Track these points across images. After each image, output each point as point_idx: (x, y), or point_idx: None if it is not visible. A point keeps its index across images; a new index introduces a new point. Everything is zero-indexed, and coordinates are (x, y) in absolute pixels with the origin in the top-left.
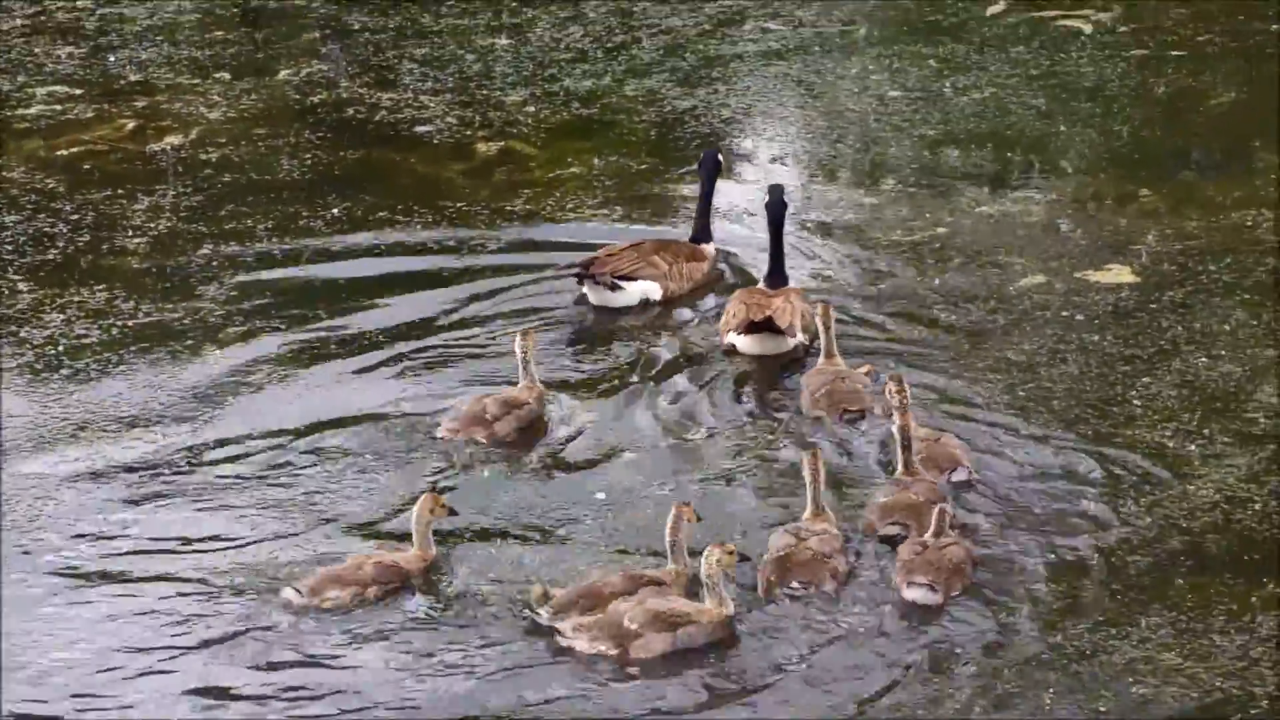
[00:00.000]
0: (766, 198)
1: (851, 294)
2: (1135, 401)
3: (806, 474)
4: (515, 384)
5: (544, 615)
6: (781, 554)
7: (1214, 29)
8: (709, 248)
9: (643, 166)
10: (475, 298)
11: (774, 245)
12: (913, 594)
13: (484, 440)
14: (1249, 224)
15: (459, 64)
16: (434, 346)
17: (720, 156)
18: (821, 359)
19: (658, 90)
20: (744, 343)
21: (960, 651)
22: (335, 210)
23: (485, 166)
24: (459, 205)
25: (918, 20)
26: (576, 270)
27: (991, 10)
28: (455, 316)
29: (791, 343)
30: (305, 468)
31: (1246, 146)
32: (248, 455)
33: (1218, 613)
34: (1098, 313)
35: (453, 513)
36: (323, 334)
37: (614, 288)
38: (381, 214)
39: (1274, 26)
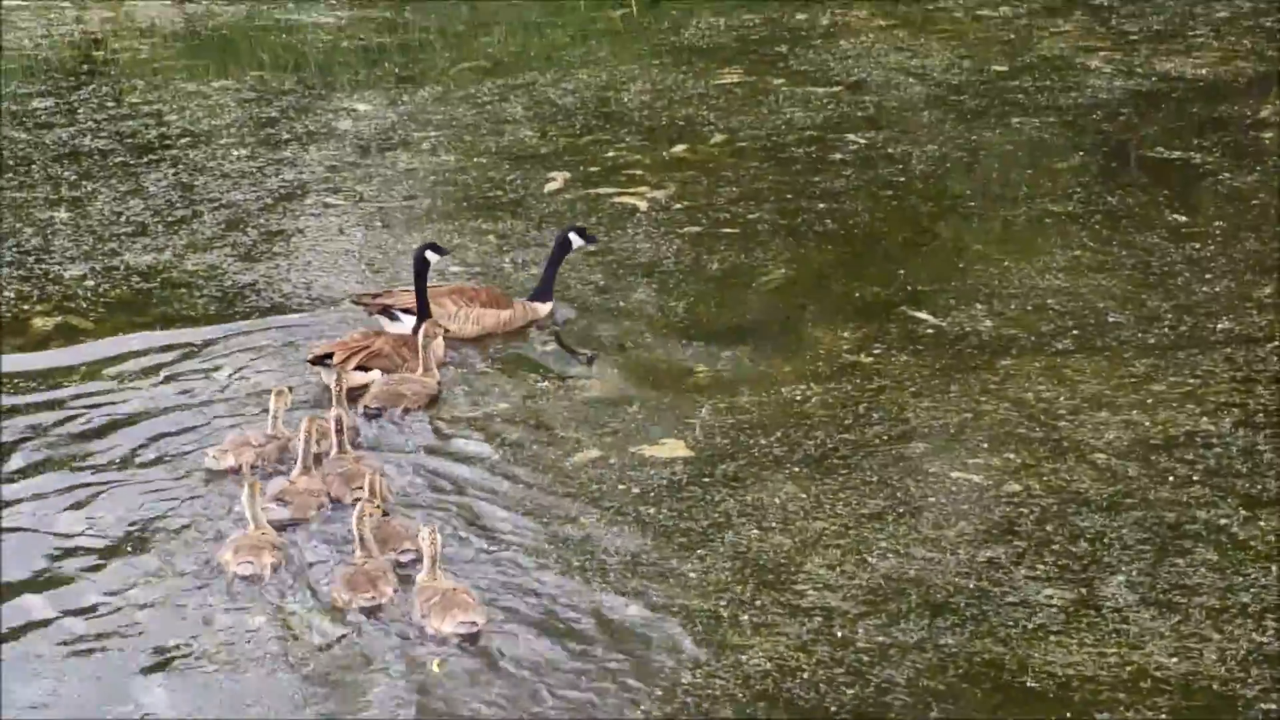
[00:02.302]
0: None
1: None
2: (691, 574)
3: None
4: None
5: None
6: None
7: (763, 207)
8: (541, 306)
9: (199, 341)
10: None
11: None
12: None
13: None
14: (798, 398)
15: (17, 238)
16: None
17: (572, 234)
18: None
19: (219, 265)
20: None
21: None
22: None
23: (41, 342)
24: (13, 380)
25: (478, 197)
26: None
27: (550, 187)
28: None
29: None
30: None
31: (796, 322)
32: None
33: None
34: (653, 486)
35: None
36: None
37: (394, 318)
38: None
39: (820, 205)
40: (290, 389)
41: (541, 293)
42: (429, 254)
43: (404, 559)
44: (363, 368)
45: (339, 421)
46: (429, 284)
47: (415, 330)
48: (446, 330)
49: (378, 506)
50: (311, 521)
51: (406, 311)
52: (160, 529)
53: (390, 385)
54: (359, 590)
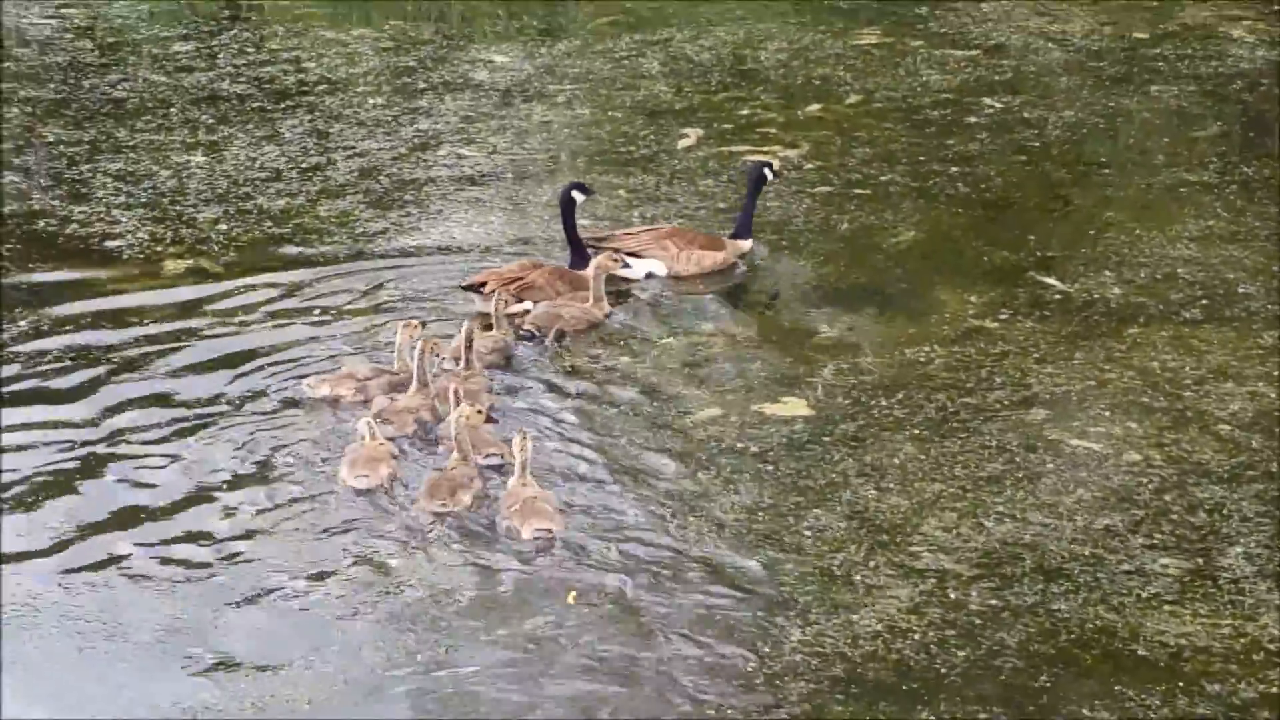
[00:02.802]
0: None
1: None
2: (805, 532)
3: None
4: None
5: None
6: None
7: (896, 169)
8: (743, 243)
9: (333, 288)
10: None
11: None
12: None
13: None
14: (921, 360)
15: (153, 180)
16: None
17: (766, 170)
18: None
19: (350, 211)
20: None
21: None
22: (23, 324)
23: (173, 282)
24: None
25: (611, 152)
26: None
27: (682, 144)
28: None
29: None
30: None
31: (923, 285)
32: None
33: None
34: (771, 445)
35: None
36: None
37: (623, 264)
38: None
39: (953, 169)
40: (423, 323)
41: (742, 229)
42: (575, 193)
43: (487, 463)
44: (516, 298)
45: (469, 336)
46: (647, 228)
47: (573, 266)
48: (623, 265)
49: (479, 412)
50: (414, 436)
51: (634, 256)
52: (263, 458)
53: (553, 308)
54: (436, 497)
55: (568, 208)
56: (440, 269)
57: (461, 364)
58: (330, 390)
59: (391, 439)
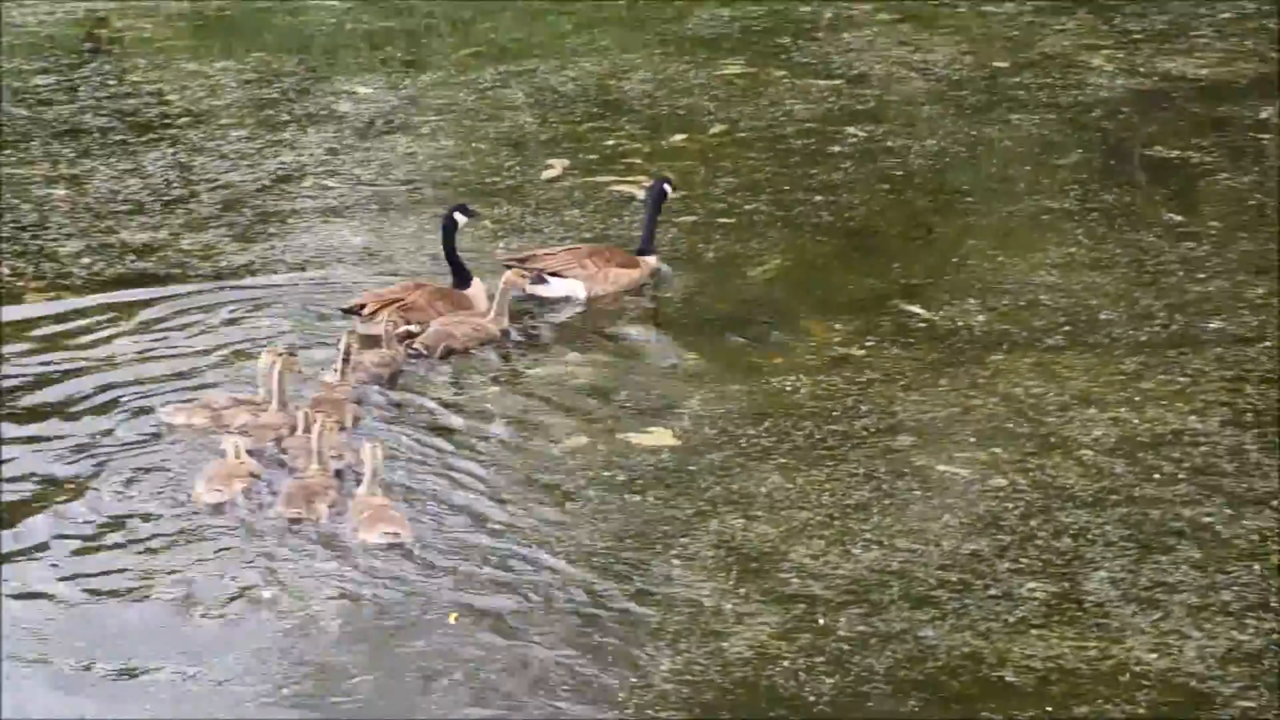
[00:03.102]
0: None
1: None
2: (674, 561)
3: None
4: None
5: None
6: None
7: (760, 198)
8: (652, 259)
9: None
10: None
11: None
12: None
13: None
14: (788, 389)
15: (14, 213)
16: None
17: (666, 186)
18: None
19: (215, 244)
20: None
21: None
22: None
23: (37, 320)
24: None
25: (476, 183)
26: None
27: (547, 175)
28: None
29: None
30: None
31: (789, 314)
32: None
33: None
34: (639, 474)
35: None
36: None
37: (543, 281)
38: None
39: (817, 198)
40: (291, 351)
41: (647, 246)
42: (457, 215)
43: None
44: (402, 320)
45: (347, 349)
46: (566, 248)
47: (455, 287)
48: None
49: (337, 422)
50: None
51: (555, 275)
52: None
53: (445, 326)
54: (292, 505)
55: (450, 229)
56: (306, 298)
57: (337, 375)
58: (187, 419)
59: (251, 452)
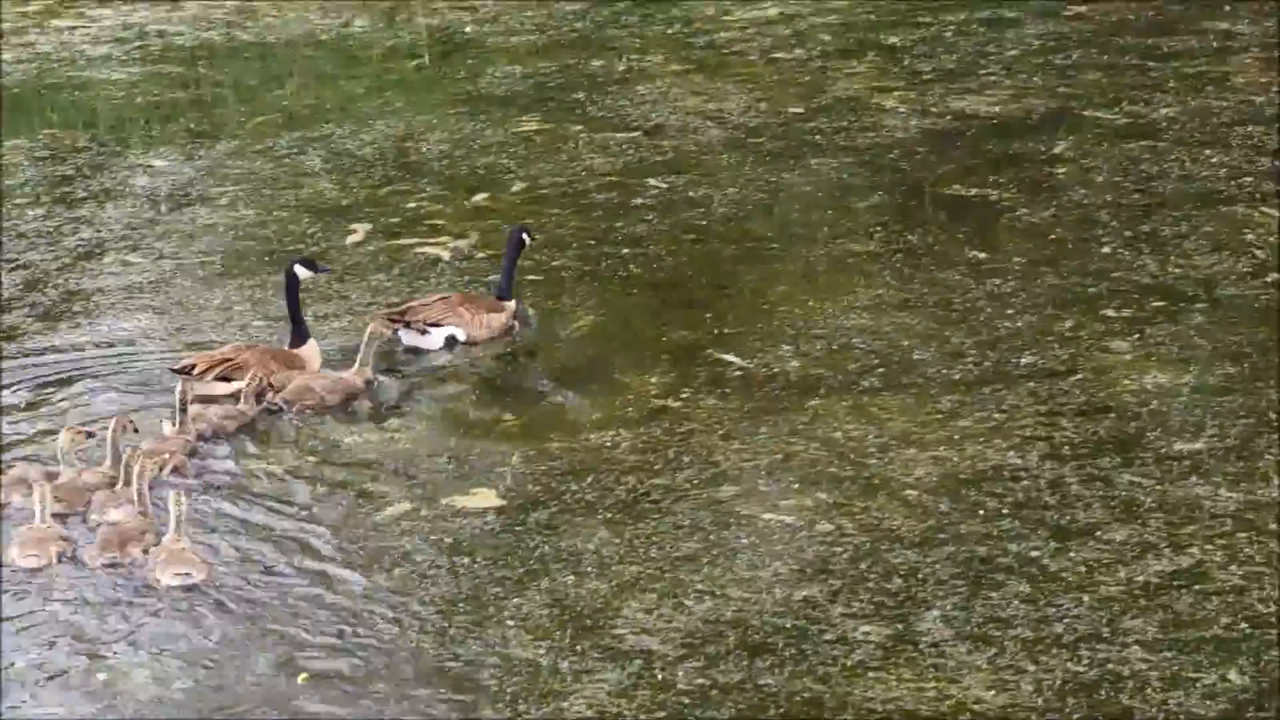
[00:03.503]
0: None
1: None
2: (508, 622)
3: None
4: None
5: None
6: None
7: (567, 254)
8: (511, 304)
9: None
10: None
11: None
12: None
13: None
14: (608, 444)
15: None
16: None
17: (524, 235)
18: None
19: (18, 325)
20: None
21: None
22: None
23: None
24: None
25: (279, 251)
26: (392, 315)
27: (351, 240)
28: None
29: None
30: None
31: (604, 368)
32: None
33: None
34: (465, 536)
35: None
36: None
37: (424, 332)
38: None
39: (624, 250)
40: (133, 426)
41: (505, 291)
42: (298, 269)
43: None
44: (225, 378)
45: (183, 398)
46: (438, 297)
47: (291, 345)
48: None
49: (156, 463)
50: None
51: (434, 325)
52: None
53: (305, 380)
54: (107, 550)
55: (292, 284)
56: (117, 376)
57: (174, 427)
58: (4, 496)
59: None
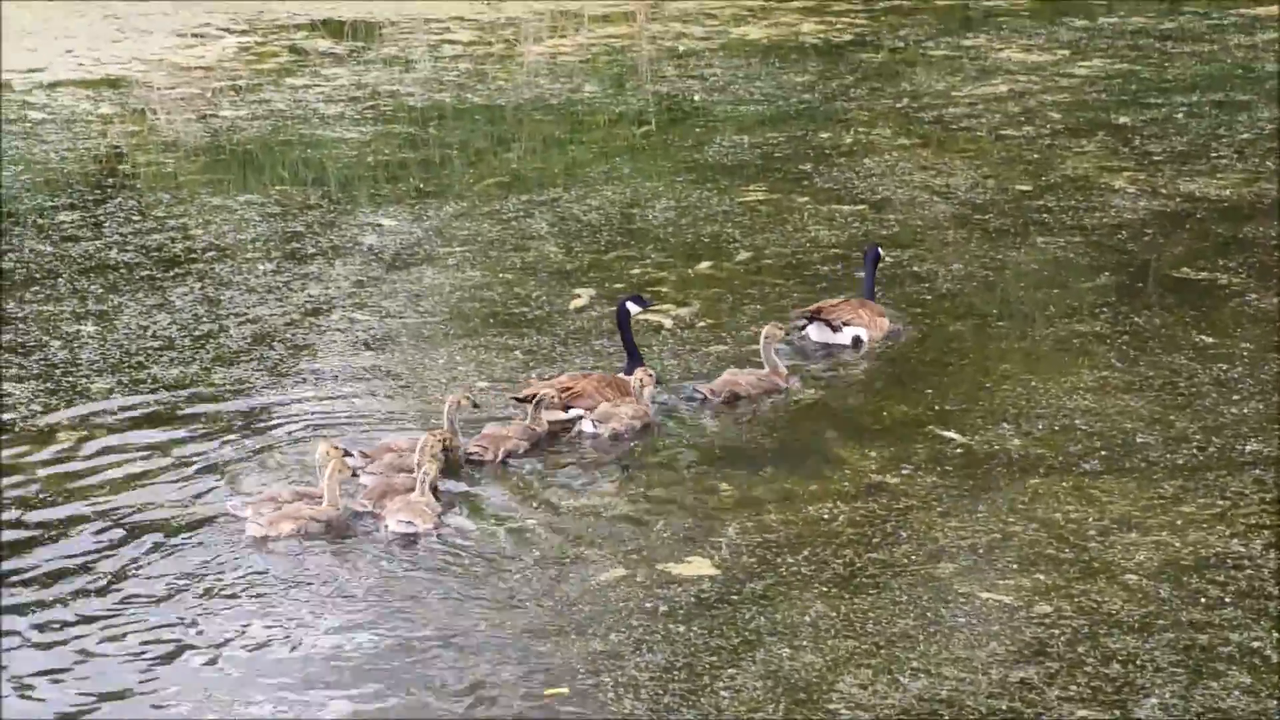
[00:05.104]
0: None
1: None
2: (722, 692)
3: None
4: None
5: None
6: None
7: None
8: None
9: (223, 454)
10: None
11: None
12: None
13: None
14: (825, 517)
15: (44, 350)
16: None
17: (629, 304)
18: None
19: (246, 379)
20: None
21: None
22: None
23: (68, 454)
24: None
25: (504, 313)
26: (807, 314)
27: (575, 304)
28: None
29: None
30: None
31: (823, 441)
32: None
33: None
34: (680, 604)
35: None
36: None
37: (836, 329)
38: None
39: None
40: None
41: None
42: (630, 305)
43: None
44: (565, 406)
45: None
46: (844, 300)
47: (628, 372)
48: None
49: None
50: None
51: (845, 324)
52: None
53: (732, 374)
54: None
55: (624, 317)
56: (338, 429)
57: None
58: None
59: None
